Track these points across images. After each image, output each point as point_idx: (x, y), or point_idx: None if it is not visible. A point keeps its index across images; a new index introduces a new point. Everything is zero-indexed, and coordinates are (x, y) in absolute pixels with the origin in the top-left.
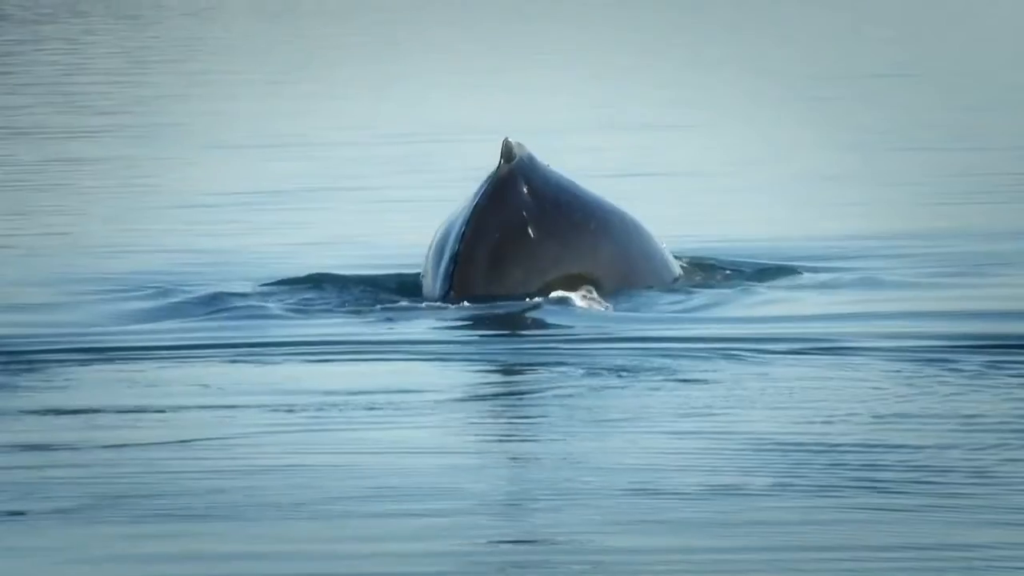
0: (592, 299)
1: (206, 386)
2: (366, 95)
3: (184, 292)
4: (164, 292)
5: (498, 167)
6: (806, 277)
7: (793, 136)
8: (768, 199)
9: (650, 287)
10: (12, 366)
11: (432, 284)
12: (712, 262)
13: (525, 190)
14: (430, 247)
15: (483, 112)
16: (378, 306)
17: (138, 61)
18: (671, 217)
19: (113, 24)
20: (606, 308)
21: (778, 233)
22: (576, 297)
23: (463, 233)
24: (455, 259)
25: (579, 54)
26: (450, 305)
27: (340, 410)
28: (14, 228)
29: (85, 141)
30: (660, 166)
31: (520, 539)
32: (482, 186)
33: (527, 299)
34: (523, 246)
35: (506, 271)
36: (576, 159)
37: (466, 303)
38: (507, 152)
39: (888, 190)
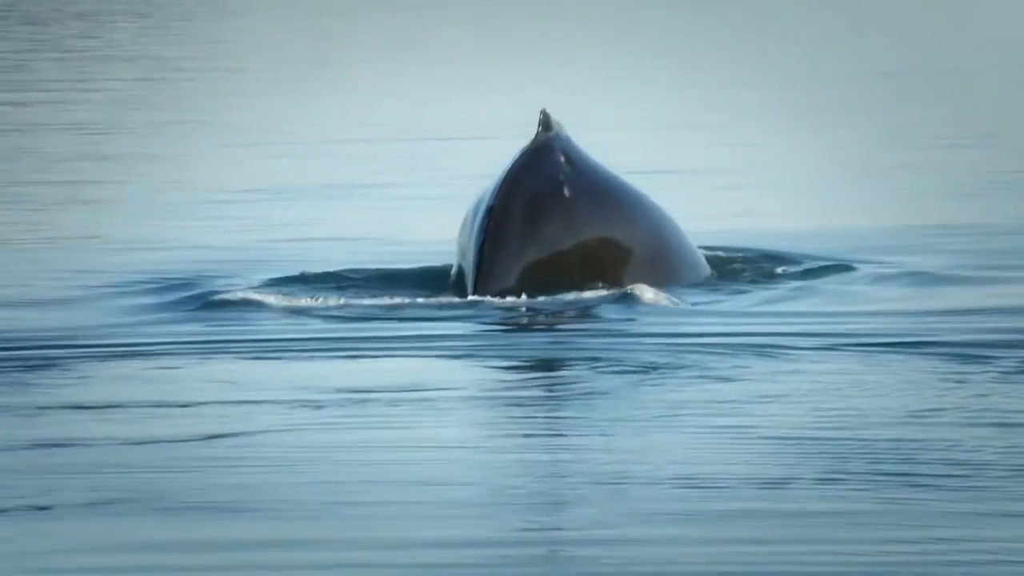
0: (661, 294)
1: (230, 382)
2: (377, 93)
3: (201, 288)
4: (181, 288)
5: (536, 135)
6: (839, 274)
7: (814, 133)
8: (790, 196)
9: (679, 275)
10: (31, 362)
11: (467, 245)
12: (762, 254)
13: (562, 158)
14: (463, 223)
15: (491, 111)
16: (403, 300)
17: (151, 59)
18: (691, 213)
19: (129, 23)
20: (676, 303)
21: (808, 230)
22: (645, 292)
23: (499, 189)
24: (490, 213)
25: (584, 52)
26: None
27: (367, 406)
28: (33, 223)
29: (102, 137)
30: (673, 164)
31: (551, 532)
32: (519, 151)
33: (584, 293)
34: (558, 203)
35: (540, 227)
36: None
37: (519, 298)
38: (545, 121)
39: (915, 185)
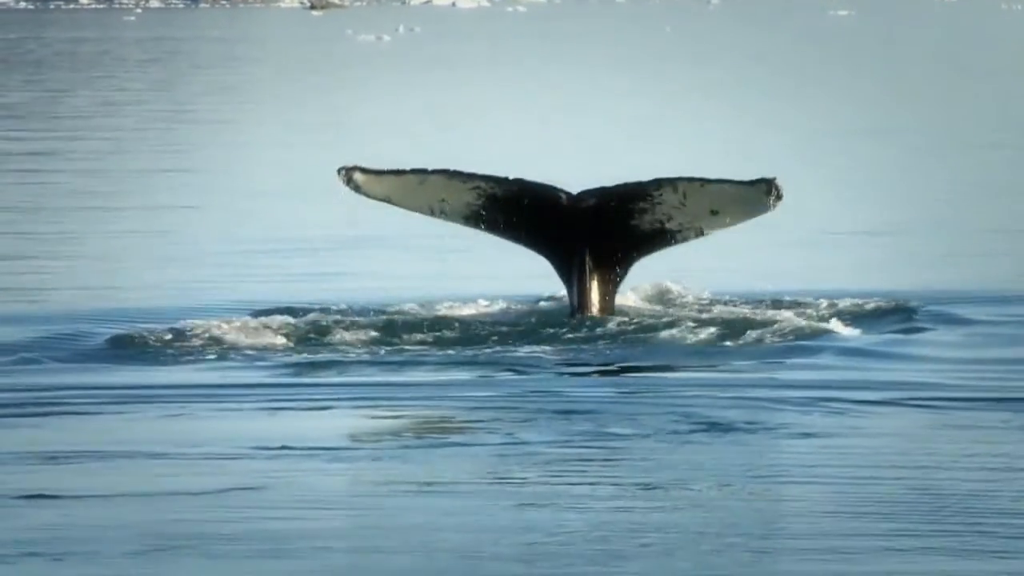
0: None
1: (252, 432)
2: (392, 143)
3: (224, 336)
4: (198, 335)
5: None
6: (906, 325)
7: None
8: (846, 250)
9: None
10: (47, 408)
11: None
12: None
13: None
14: None
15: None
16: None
17: (167, 108)
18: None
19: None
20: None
21: (873, 282)
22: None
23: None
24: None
25: (601, 101)
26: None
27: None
28: (51, 269)
29: (121, 185)
30: None
31: None
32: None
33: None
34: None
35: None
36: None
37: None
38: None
39: (980, 239)
